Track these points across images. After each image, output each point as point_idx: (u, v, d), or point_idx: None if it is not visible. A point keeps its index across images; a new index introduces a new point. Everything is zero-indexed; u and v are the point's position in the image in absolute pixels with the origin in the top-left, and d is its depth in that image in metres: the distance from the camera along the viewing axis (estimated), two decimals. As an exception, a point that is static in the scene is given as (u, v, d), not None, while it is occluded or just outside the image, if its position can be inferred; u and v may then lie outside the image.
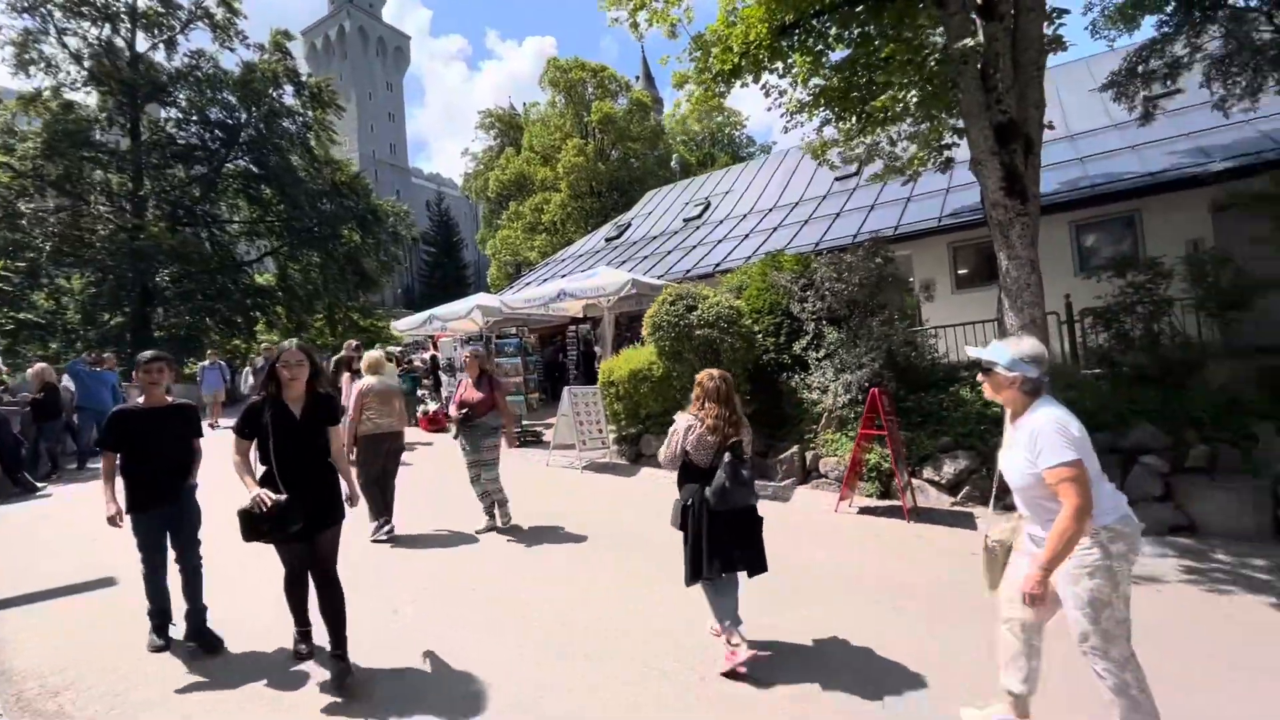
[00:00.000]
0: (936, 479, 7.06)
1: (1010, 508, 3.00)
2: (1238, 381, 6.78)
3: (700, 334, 8.37)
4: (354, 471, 4.80)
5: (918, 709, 3.21)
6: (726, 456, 3.54)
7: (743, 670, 3.47)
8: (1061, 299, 8.69)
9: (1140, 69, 8.11)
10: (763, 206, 17.69)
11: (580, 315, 15.02)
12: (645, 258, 17.54)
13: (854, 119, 8.95)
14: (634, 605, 4.56)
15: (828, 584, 4.86)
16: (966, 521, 6.42)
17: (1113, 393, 7.24)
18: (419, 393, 13.86)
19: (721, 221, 18.06)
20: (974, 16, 6.58)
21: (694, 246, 16.66)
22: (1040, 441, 2.53)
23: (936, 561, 5.35)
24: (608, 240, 21.64)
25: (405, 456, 7.54)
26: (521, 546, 6.04)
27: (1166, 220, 9.81)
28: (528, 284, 19.69)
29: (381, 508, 6.33)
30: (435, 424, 12.78)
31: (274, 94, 26.34)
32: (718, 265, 13.50)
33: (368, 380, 6.52)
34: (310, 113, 27.84)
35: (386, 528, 6.26)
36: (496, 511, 6.59)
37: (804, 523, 6.60)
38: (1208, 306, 6.94)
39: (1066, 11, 7.56)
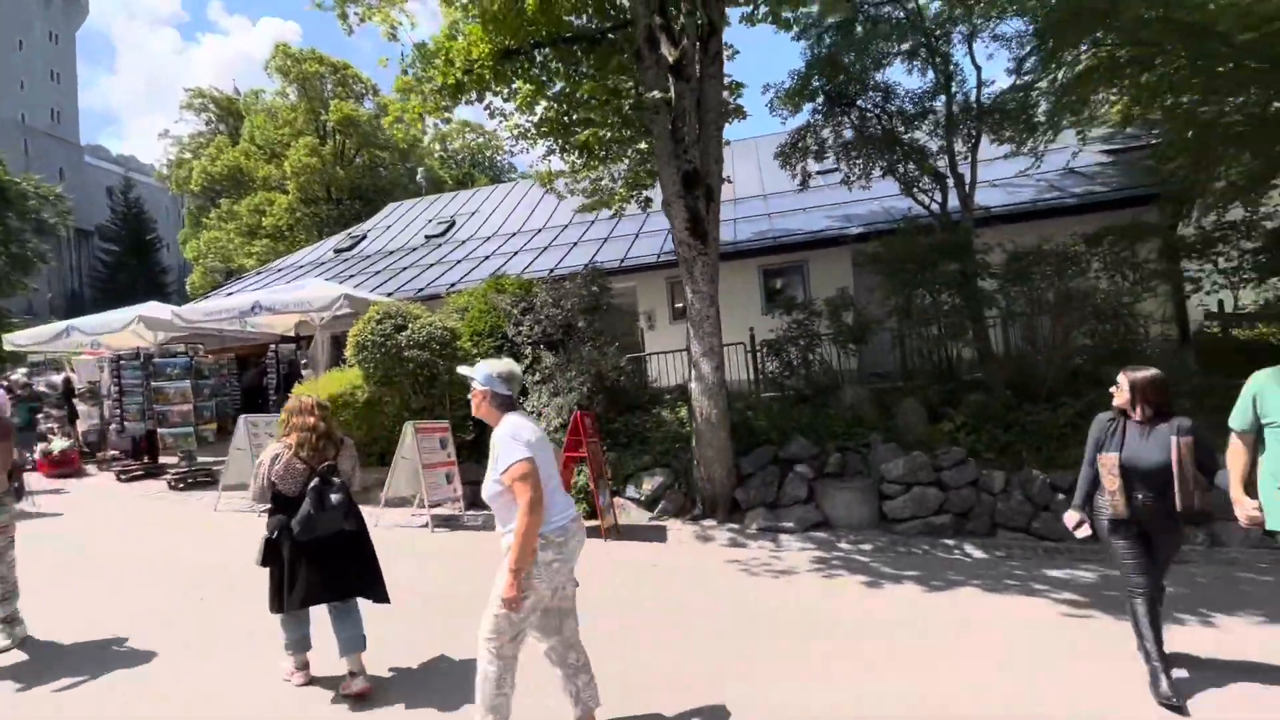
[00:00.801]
0: (638, 496, 7.47)
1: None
2: (860, 401, 8.47)
3: (411, 355, 7.78)
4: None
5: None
6: (314, 482, 3.26)
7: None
8: (754, 332, 10.01)
9: (799, 144, 9.91)
10: (507, 230, 17.64)
11: (292, 334, 13.12)
12: (377, 273, 16.15)
13: (576, 153, 9.34)
14: None
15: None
16: (659, 535, 6.87)
17: (779, 412, 8.51)
18: (41, 426, 10.61)
19: (464, 242, 17.54)
20: (667, 74, 7.31)
21: (431, 265, 15.84)
22: (498, 449, 2.64)
23: (609, 577, 5.54)
24: (337, 251, 19.53)
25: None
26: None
27: (826, 270, 12.07)
28: (225, 294, 16.70)
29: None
30: (63, 465, 9.87)
31: None
32: (453, 285, 12.95)
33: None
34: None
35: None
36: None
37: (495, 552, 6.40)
38: (840, 340, 8.56)
39: (744, 85, 8.89)
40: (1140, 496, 3.11)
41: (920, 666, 3.60)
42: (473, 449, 8.62)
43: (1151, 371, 3.26)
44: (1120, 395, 3.31)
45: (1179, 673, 3.21)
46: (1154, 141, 10.49)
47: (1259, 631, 3.97)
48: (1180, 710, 2.92)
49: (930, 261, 7.68)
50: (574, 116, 8.39)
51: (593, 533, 6.90)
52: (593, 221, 16.33)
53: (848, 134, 9.83)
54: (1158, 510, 3.07)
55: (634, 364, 11.14)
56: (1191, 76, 9.13)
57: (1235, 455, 3.02)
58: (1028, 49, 8.57)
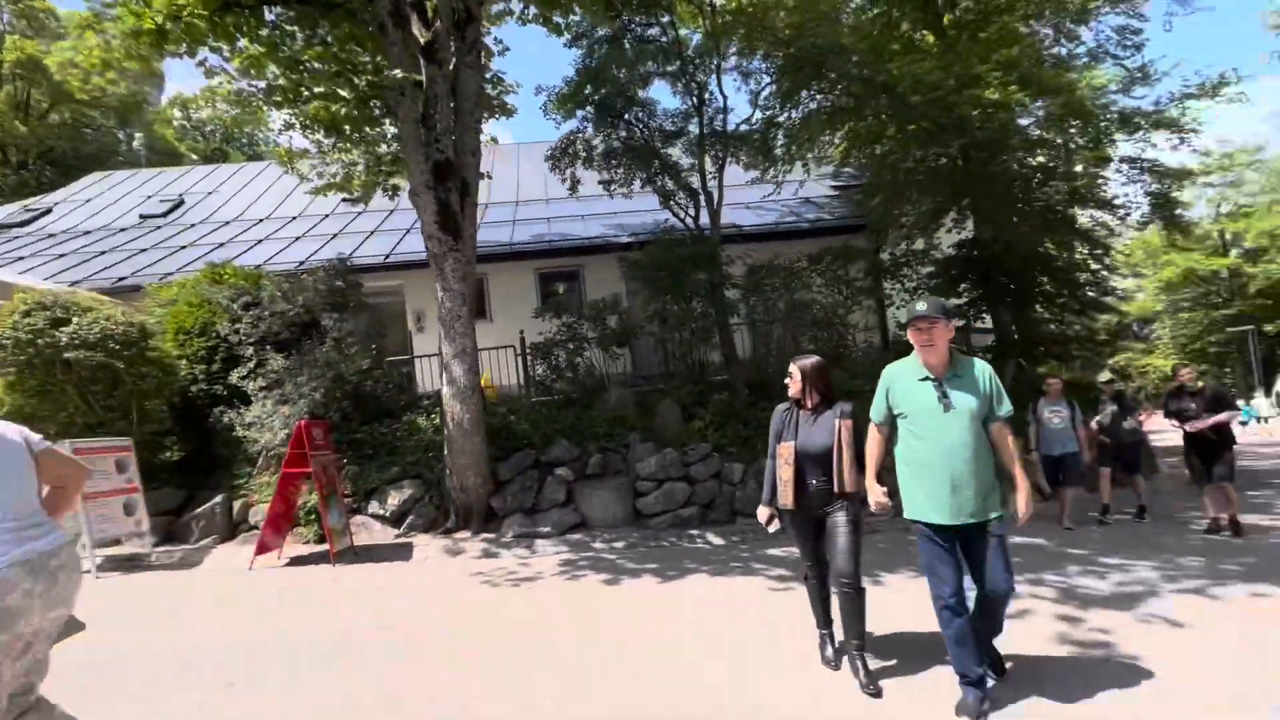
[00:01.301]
0: (382, 512, 6.79)
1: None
2: (624, 403, 8.74)
3: (77, 358, 6.15)
4: None
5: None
6: None
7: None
8: (525, 335, 9.76)
9: (569, 149, 10.01)
10: (254, 215, 15.26)
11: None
12: (61, 256, 12.84)
13: (320, 130, 8.30)
14: None
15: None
16: (403, 553, 6.29)
17: (545, 415, 8.41)
18: None
19: (194, 225, 14.77)
20: (418, 56, 6.79)
21: (143, 250, 13.03)
22: None
23: (328, 606, 4.90)
24: (4, 227, 15.18)
25: None
26: None
27: (601, 276, 12.33)
28: None
29: None
30: None
31: None
32: (167, 276, 10.72)
33: None
34: None
35: None
36: None
37: (190, 591, 5.33)
38: (604, 344, 8.75)
39: (517, 84, 8.67)
40: (814, 482, 3.17)
41: (636, 662, 3.63)
42: (182, 469, 7.15)
43: (815, 358, 3.34)
44: (794, 384, 3.35)
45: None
46: (864, 181, 12.50)
47: (917, 583, 4.74)
48: (836, 668, 3.28)
49: (682, 270, 8.19)
50: (312, 90, 7.41)
51: (322, 557, 6.11)
52: (359, 213, 14.86)
53: (616, 144, 10.11)
54: (829, 493, 3.14)
55: (398, 368, 10.28)
56: (886, 129, 11.13)
57: (871, 444, 3.07)
58: (764, 85, 9.64)
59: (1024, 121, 10.53)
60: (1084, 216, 11.58)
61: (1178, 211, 11.49)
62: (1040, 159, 10.68)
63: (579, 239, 12.15)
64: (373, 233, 13.49)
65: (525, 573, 5.55)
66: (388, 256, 11.61)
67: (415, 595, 5.09)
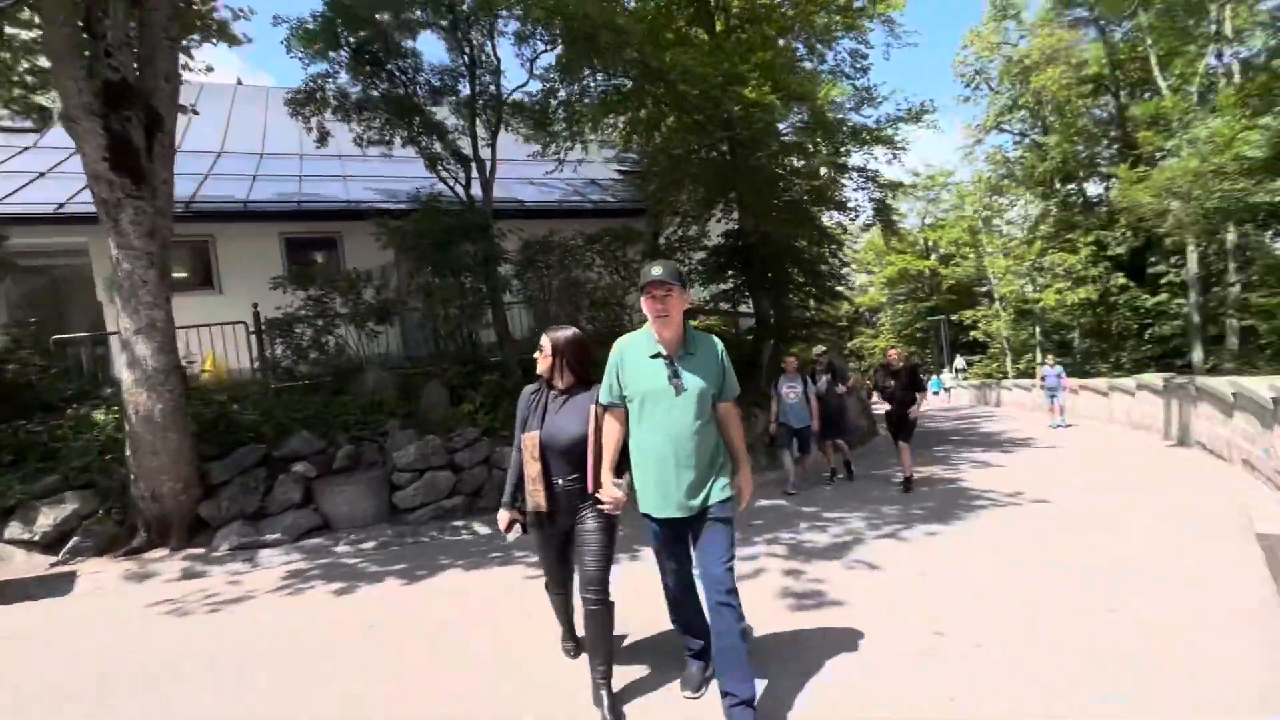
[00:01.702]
0: (27, 536, 5.17)
1: None
2: (384, 386, 7.84)
3: None
4: None
5: None
6: None
7: None
8: (260, 310, 8.22)
9: (316, 95, 8.62)
10: None
11: None
12: None
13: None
14: None
15: None
16: (61, 586, 4.85)
17: (284, 403, 7.19)
18: None
19: None
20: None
21: None
22: None
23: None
24: None
25: None
26: None
27: (366, 247, 10.96)
28: None
29: None
30: None
31: None
32: None
33: None
34: None
35: None
36: None
37: None
38: (358, 320, 7.74)
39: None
40: (561, 481, 2.68)
41: (335, 687, 3.09)
42: None
43: (572, 330, 2.84)
44: (543, 359, 2.81)
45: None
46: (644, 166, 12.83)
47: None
48: (576, 657, 3.11)
49: (449, 242, 7.53)
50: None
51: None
52: (30, 146, 11.42)
53: (374, 94, 8.95)
54: (581, 493, 2.66)
55: (81, 348, 8.07)
56: (665, 117, 11.52)
57: (606, 433, 2.62)
58: (540, 52, 9.26)
59: (783, 127, 11.69)
60: (826, 218, 13.27)
61: (893, 218, 13.72)
62: (795, 162, 11.92)
63: (336, 202, 10.68)
64: (44, 174, 10.43)
65: (233, 593, 4.59)
66: (62, 206, 9.01)
67: (60, 642, 3.88)
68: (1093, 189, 26.41)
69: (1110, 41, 21.52)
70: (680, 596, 2.73)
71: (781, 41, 11.64)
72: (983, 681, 2.70)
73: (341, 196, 11.11)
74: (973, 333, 33.21)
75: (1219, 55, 16.43)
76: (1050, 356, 14.66)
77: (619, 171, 14.95)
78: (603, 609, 2.63)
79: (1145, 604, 3.40)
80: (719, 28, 11.40)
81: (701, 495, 2.49)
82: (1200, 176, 11.24)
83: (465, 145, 8.74)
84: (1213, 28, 15.59)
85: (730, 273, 12.05)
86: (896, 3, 10.76)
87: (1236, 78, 15.39)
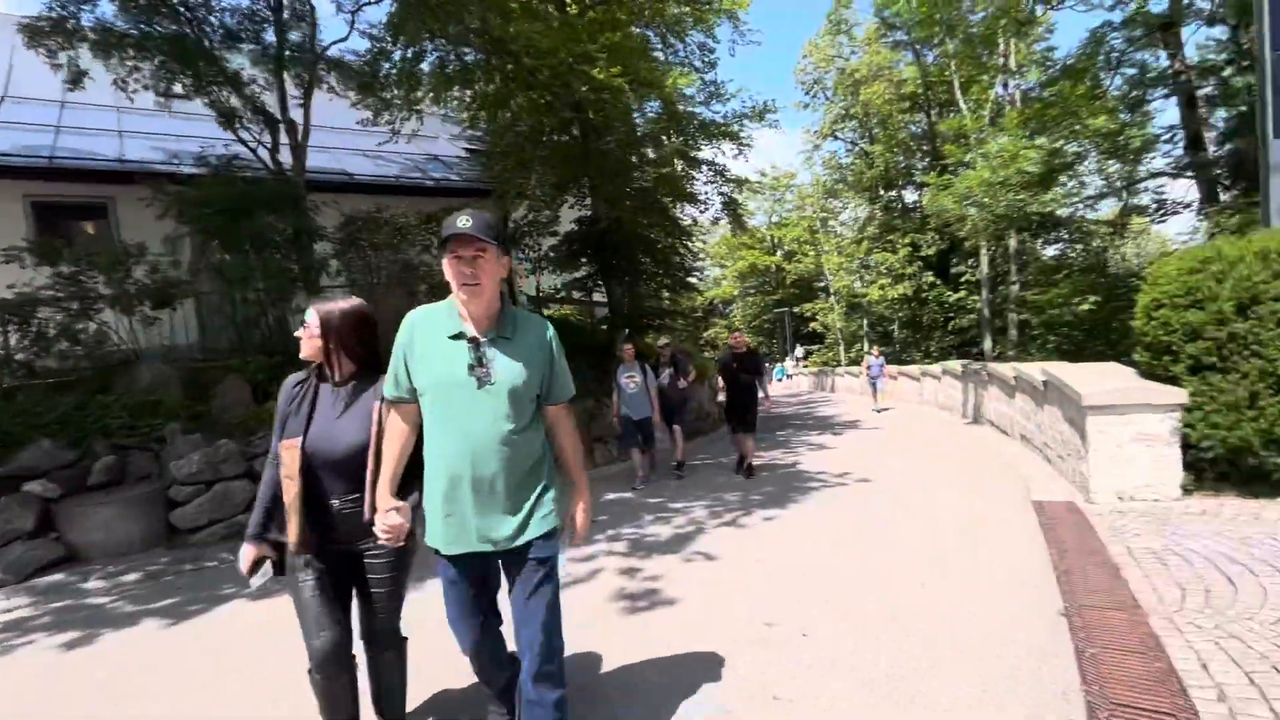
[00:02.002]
0: None
1: None
2: (166, 382, 6.56)
3: None
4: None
5: None
6: None
7: None
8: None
9: (64, 23, 6.95)
10: None
11: None
12: None
13: None
14: None
15: None
16: None
17: (19, 405, 5.73)
18: None
19: None
20: None
21: None
22: None
23: None
24: None
25: None
26: None
27: (146, 214, 9.22)
28: None
29: None
30: None
31: None
32: None
33: None
34: None
35: None
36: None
37: None
38: (125, 304, 6.40)
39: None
40: (338, 503, 2.02)
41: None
42: None
43: (352, 302, 2.16)
44: (308, 341, 2.11)
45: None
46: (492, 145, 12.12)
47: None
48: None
49: (247, 212, 6.43)
50: None
51: None
52: None
53: (153, 30, 7.44)
54: (363, 517, 2.00)
55: None
56: (513, 95, 10.91)
57: (388, 438, 1.98)
58: (361, 3, 8.27)
59: (638, 119, 11.63)
60: (678, 211, 13.45)
61: (741, 213, 14.24)
62: (650, 154, 11.87)
63: (102, 160, 8.83)
64: None
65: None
66: None
67: None
68: (910, 196, 29.72)
69: (923, 65, 24.20)
70: (479, 656, 2.03)
71: (635, 29, 11.53)
72: (806, 675, 2.64)
73: (115, 154, 9.22)
74: (812, 324, 36.13)
75: (1005, 85, 19.14)
76: (875, 346, 16.19)
77: (467, 150, 14.05)
78: (394, 652, 2.23)
79: (946, 575, 3.62)
80: (571, 6, 11.01)
81: (512, 525, 1.87)
82: (991, 187, 13.04)
83: (272, 103, 7.54)
84: (1000, 60, 18.08)
85: (583, 260, 11.78)
86: (742, 1, 11.07)
87: (1019, 104, 18.04)
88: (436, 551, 1.92)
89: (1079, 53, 14.78)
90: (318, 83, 8.00)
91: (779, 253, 42.27)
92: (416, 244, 8.15)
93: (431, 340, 1.86)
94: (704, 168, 12.57)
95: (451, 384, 1.82)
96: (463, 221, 1.76)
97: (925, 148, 27.21)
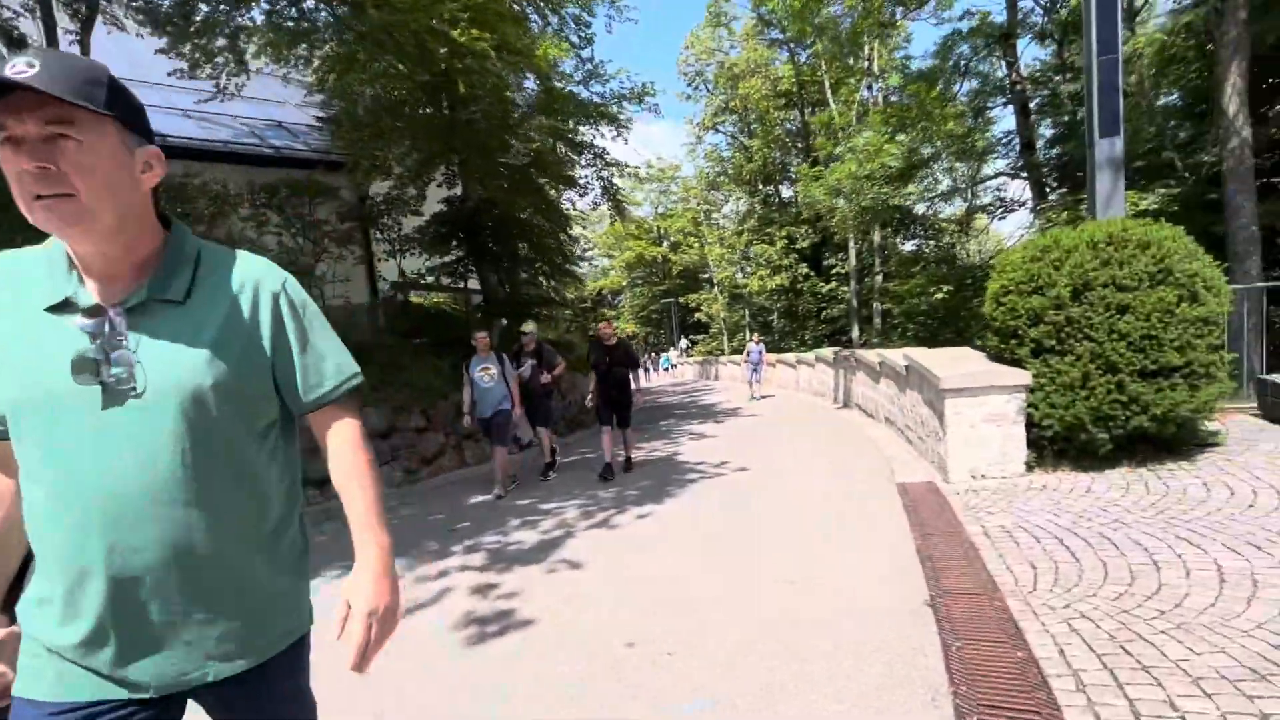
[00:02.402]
0: None
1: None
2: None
3: None
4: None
5: None
6: None
7: None
8: None
9: None
10: None
11: None
12: None
13: None
14: None
15: None
16: None
17: None
18: None
19: None
20: None
21: None
22: None
23: None
24: None
25: None
26: None
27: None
28: None
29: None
30: None
31: None
32: None
33: None
34: None
35: None
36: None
37: None
38: None
39: None
40: None
41: None
42: None
43: None
44: None
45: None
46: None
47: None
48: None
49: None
50: None
51: None
52: None
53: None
54: None
55: None
56: (370, 58, 9.80)
57: None
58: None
59: (519, 101, 10.92)
60: (561, 197, 12.89)
61: (622, 200, 13.94)
62: (531, 134, 11.16)
63: None
64: None
65: None
66: None
67: None
68: (786, 192, 31.05)
69: (797, 64, 25.23)
70: None
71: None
72: (663, 707, 2.30)
73: None
74: (698, 314, 36.90)
75: (870, 87, 20.38)
76: (755, 335, 16.63)
77: (318, 118, 12.57)
78: None
79: (817, 570, 3.47)
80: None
81: (207, 648, 1.01)
82: (858, 180, 13.76)
83: (34, 33, 6.09)
84: (865, 64, 19.20)
85: (454, 243, 10.94)
86: (617, -27, 10.70)
87: (882, 105, 19.30)
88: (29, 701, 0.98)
89: (934, 53, 15.79)
90: (100, 13, 6.59)
91: (665, 244, 42.77)
92: (253, 220, 7.02)
93: (22, 316, 0.97)
94: (584, 150, 12.11)
95: (52, 399, 0.94)
96: (17, 68, 0.84)
97: (800, 145, 28.50)
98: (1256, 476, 4.12)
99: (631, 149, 45.10)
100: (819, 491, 5.23)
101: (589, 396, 6.81)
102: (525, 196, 10.27)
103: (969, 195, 17.23)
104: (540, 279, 11.65)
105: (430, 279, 11.03)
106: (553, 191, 11.43)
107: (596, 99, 10.97)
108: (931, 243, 23.39)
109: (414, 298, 11.91)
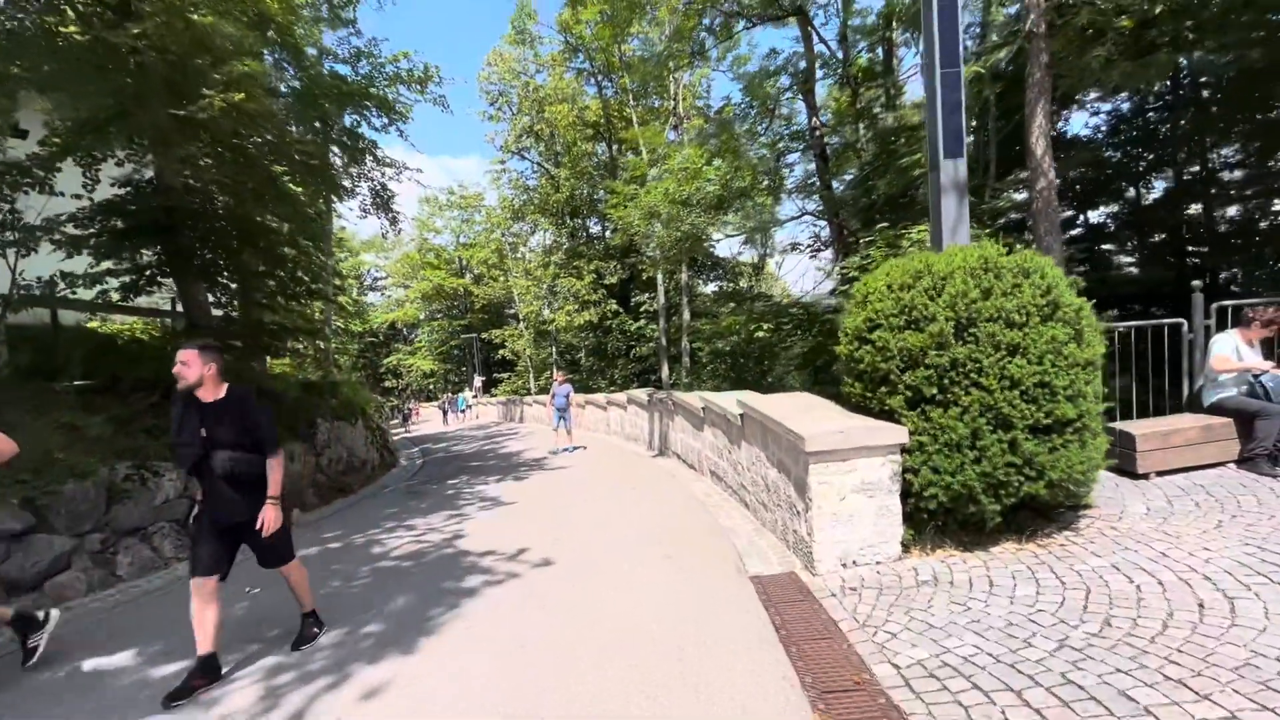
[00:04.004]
0: None
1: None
2: None
3: None
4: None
5: None
6: None
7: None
8: None
9: None
10: None
11: None
12: None
13: None
14: None
15: None
16: None
17: None
18: None
19: None
20: None
21: None
22: None
23: None
24: None
25: None
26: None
27: None
28: None
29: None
30: None
31: None
32: None
33: None
34: None
35: None
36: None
37: None
38: None
39: None
40: None
41: None
42: None
43: None
44: None
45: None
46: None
47: None
48: None
49: None
50: None
51: None
52: None
53: None
54: None
55: None
56: None
57: None
58: None
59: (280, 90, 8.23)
60: (320, 199, 10.16)
61: (394, 207, 11.45)
62: (294, 143, 8.35)
63: None
64: None
65: None
66: None
67: None
68: (595, 228, 30.49)
69: (605, 98, 24.91)
70: None
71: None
72: None
73: None
74: (502, 351, 34.50)
75: (676, 128, 20.51)
76: (560, 373, 14.48)
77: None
78: None
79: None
80: None
81: None
82: (674, 204, 12.98)
83: None
84: (672, 104, 19.27)
85: (143, 249, 7.73)
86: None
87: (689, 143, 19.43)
88: None
89: (743, 88, 15.57)
90: None
91: (468, 275, 39.86)
92: None
93: None
94: (354, 143, 9.60)
95: None
96: None
97: (609, 179, 28.22)
98: (1164, 554, 3.42)
99: (398, 131, 41.65)
100: (649, 606, 3.62)
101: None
102: (251, 182, 7.49)
103: (770, 234, 17.74)
104: (281, 300, 8.75)
105: (98, 294, 7.61)
106: (296, 188, 8.73)
107: (360, 77, 8.69)
108: (729, 284, 24.18)
109: (93, 320, 8.31)
